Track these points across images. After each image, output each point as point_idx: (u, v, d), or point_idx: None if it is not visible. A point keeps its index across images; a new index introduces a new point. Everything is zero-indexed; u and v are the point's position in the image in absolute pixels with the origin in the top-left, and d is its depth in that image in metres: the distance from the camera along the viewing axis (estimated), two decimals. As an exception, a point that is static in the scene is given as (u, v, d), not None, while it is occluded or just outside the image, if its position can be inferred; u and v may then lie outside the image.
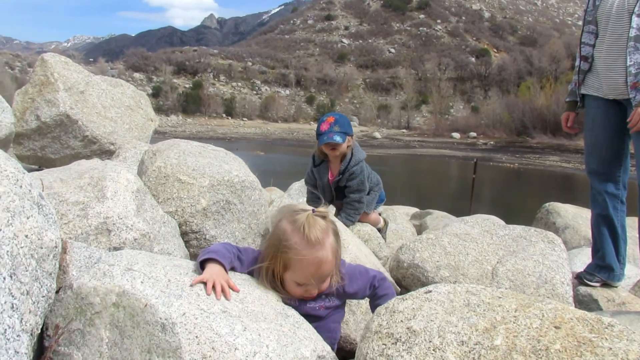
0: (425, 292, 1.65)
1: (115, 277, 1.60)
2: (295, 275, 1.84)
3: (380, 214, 4.17)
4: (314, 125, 3.83)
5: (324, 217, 1.88)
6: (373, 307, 2.14)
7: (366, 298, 2.16)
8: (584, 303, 3.41)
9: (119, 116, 4.85)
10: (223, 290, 1.66)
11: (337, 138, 3.52)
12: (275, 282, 1.88)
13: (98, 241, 2.11)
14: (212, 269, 1.72)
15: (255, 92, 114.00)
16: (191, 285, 1.63)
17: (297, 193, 5.85)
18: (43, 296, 1.55)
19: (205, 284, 1.65)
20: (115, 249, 2.12)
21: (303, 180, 4.62)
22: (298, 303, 1.91)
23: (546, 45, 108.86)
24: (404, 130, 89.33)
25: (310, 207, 1.90)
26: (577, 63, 3.52)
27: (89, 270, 1.67)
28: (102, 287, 1.57)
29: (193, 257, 2.55)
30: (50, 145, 4.43)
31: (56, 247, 1.62)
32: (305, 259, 1.81)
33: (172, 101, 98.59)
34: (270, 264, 1.87)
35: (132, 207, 2.24)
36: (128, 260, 1.69)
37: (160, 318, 1.48)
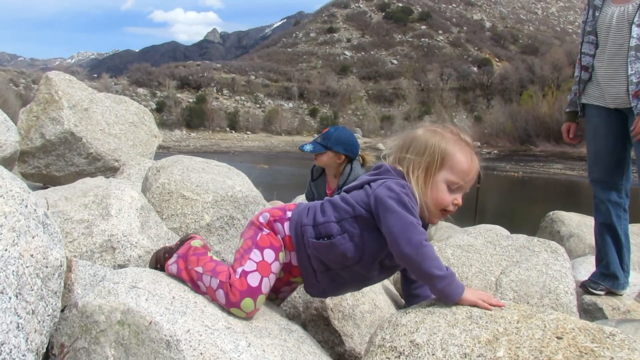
0: (428, 305, 1.66)
1: (120, 294, 1.61)
2: (453, 173, 1.76)
3: None
4: (312, 140, 3.81)
5: None
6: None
7: None
8: (589, 312, 3.40)
9: (123, 133, 4.89)
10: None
11: (307, 147, 3.49)
12: (425, 184, 1.76)
13: (103, 259, 2.12)
14: (471, 292, 1.65)
15: (258, 106, 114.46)
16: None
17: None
18: (48, 315, 1.56)
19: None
20: (120, 266, 2.14)
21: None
22: None
23: (547, 54, 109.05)
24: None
25: None
26: (576, 73, 3.54)
27: (93, 289, 1.68)
28: (107, 305, 1.59)
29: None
30: (54, 162, 4.46)
31: (61, 265, 1.63)
32: (466, 155, 1.77)
33: (176, 116, 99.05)
34: (424, 160, 1.76)
35: (136, 225, 2.26)
36: (132, 277, 1.70)
37: (165, 335, 1.49)
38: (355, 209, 1.74)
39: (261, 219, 1.88)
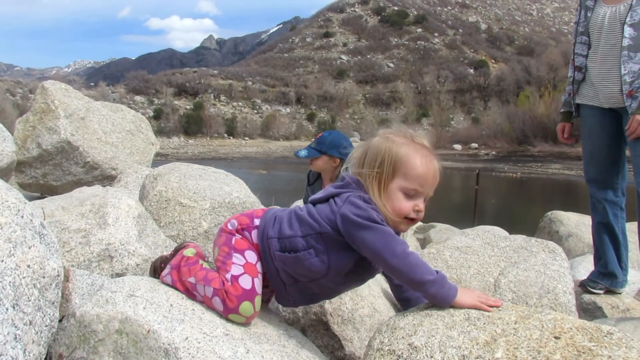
0: (426, 308, 1.66)
1: (118, 303, 1.61)
2: (407, 179, 1.69)
3: None
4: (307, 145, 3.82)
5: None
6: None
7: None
8: (588, 311, 3.40)
9: (120, 141, 4.89)
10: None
11: (302, 152, 3.51)
12: (380, 196, 1.70)
13: (100, 268, 2.12)
14: (466, 294, 1.64)
15: (256, 111, 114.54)
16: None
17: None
18: (46, 325, 1.56)
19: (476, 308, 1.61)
20: (118, 275, 2.13)
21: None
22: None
23: (543, 54, 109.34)
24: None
25: None
26: (570, 73, 3.55)
27: (91, 298, 1.68)
28: (105, 314, 1.59)
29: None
30: (52, 172, 4.46)
31: (58, 275, 1.63)
32: (420, 159, 1.70)
33: (174, 123, 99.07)
34: (375, 171, 1.71)
35: (133, 233, 2.26)
36: (130, 286, 1.70)
37: (163, 343, 1.49)
38: (320, 225, 1.71)
39: (229, 227, 1.86)
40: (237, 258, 1.77)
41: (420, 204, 1.73)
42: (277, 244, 1.77)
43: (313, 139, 3.62)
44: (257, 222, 1.85)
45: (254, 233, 1.83)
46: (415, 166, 1.69)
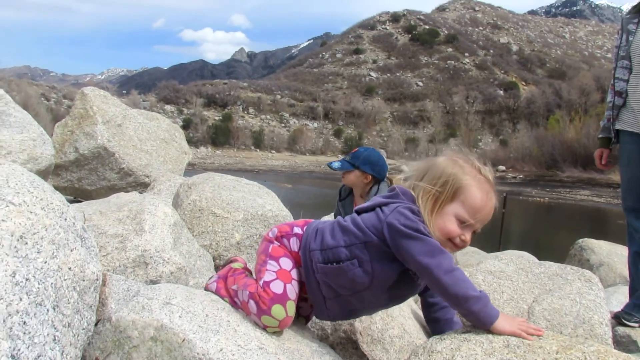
0: (464, 332, 1.63)
1: (153, 310, 1.62)
2: (464, 207, 1.69)
3: None
4: (342, 158, 3.86)
5: None
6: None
7: None
8: (622, 344, 3.31)
9: (154, 149, 4.95)
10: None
11: (335, 164, 3.54)
12: (432, 213, 1.70)
13: (135, 274, 2.14)
14: (507, 320, 1.61)
15: (283, 125, 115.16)
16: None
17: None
18: (83, 329, 1.57)
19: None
20: (152, 282, 2.15)
21: (332, 213, 4.61)
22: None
23: (575, 78, 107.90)
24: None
25: None
26: (609, 98, 3.49)
27: (127, 304, 1.69)
28: (140, 321, 1.59)
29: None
30: (87, 177, 4.54)
31: (97, 279, 1.65)
32: (481, 193, 1.70)
33: (202, 133, 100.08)
34: (436, 189, 1.71)
35: (169, 241, 2.28)
36: (166, 294, 1.71)
37: (198, 353, 1.49)
38: (365, 234, 1.71)
39: (270, 234, 1.92)
40: (271, 265, 1.81)
41: (468, 235, 1.72)
42: (320, 256, 1.77)
43: (346, 154, 3.64)
44: (296, 229, 1.89)
45: (293, 240, 1.87)
46: (476, 198, 1.69)
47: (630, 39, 3.33)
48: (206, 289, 1.95)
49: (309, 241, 1.82)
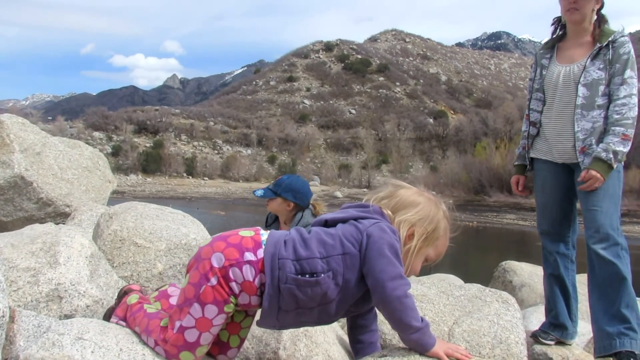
0: (380, 357, 1.66)
1: (64, 347, 1.56)
2: (435, 251, 1.92)
3: None
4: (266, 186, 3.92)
5: None
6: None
7: None
8: (540, 362, 3.43)
9: (76, 178, 4.79)
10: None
11: (259, 192, 3.63)
12: (414, 252, 1.85)
13: (49, 309, 2.05)
14: (440, 344, 1.73)
15: (216, 152, 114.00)
16: None
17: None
18: (-13, 368, 1.49)
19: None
20: (67, 316, 2.07)
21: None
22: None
23: (500, 107, 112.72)
24: (364, 190, 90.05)
25: None
26: (524, 128, 3.68)
27: (37, 340, 1.62)
28: (50, 358, 1.53)
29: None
30: (2, 207, 4.32)
31: (3, 316, 1.58)
32: (448, 238, 1.95)
33: (132, 160, 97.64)
34: (428, 232, 1.88)
35: (85, 273, 2.20)
36: (79, 328, 1.65)
37: (110, 389, 1.44)
38: (344, 246, 1.72)
39: (215, 263, 1.73)
40: (194, 310, 1.71)
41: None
42: (293, 266, 1.71)
43: (273, 181, 3.70)
44: (248, 255, 1.75)
45: (246, 269, 1.73)
46: (445, 245, 1.95)
47: (544, 72, 3.52)
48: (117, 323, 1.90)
49: (277, 248, 1.75)
